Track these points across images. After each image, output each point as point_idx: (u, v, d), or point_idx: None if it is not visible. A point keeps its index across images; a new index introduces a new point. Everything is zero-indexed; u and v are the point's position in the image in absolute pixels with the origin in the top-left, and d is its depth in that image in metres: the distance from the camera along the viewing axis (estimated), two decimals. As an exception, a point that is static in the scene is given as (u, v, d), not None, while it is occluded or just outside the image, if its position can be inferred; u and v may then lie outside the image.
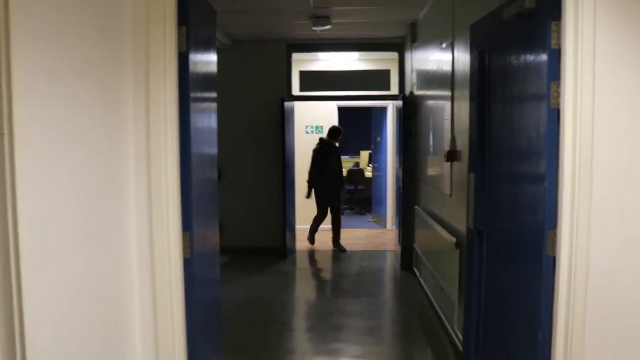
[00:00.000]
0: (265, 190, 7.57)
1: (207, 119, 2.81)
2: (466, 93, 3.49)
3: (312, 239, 7.97)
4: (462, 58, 3.95)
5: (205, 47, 2.79)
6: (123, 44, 2.21)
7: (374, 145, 10.52)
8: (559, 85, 2.19)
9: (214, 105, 3.00)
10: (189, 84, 2.41)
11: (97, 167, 2.01)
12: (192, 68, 2.47)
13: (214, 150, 2.98)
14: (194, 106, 2.48)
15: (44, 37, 1.64)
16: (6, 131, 1.41)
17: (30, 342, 1.50)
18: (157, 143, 2.28)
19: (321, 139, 7.77)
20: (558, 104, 2.20)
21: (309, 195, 7.68)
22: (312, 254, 7.70)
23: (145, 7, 2.24)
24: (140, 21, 2.25)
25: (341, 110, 9.57)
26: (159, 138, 2.27)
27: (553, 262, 2.26)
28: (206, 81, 2.80)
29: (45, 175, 1.63)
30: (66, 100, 1.76)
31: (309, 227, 7.96)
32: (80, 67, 1.87)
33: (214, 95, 3.01)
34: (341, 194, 7.86)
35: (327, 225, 7.77)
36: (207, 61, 2.81)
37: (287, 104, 7.25)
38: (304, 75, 8.10)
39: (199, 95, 2.64)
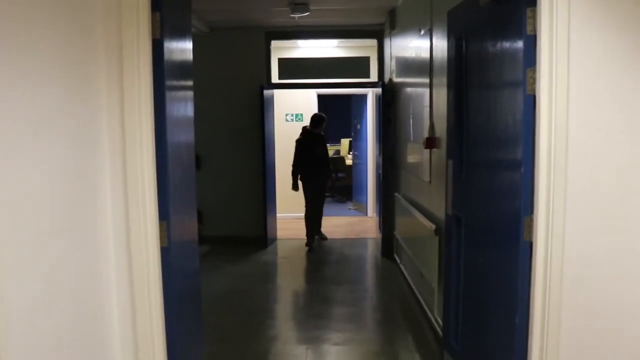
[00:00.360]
0: (245, 179, 7.53)
1: (182, 107, 2.77)
2: (444, 80, 3.49)
3: (311, 244, 7.39)
4: (440, 45, 3.95)
5: (180, 33, 2.75)
6: (94, 31, 2.17)
7: (354, 132, 10.52)
8: (534, 71, 2.20)
9: (190, 94, 2.96)
10: (164, 72, 2.38)
11: (68, 158, 1.97)
12: (167, 55, 2.43)
13: (190, 138, 2.95)
14: (169, 94, 2.44)
15: (13, 23, 1.59)
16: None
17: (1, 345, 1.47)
18: (132, 132, 2.24)
19: (304, 128, 7.44)
20: (534, 90, 2.21)
21: (295, 187, 7.33)
22: (292, 243, 7.70)
23: (118, -8, 2.20)
24: (112, 6, 2.20)
25: (321, 97, 9.53)
26: (134, 127, 2.24)
27: (530, 247, 2.29)
28: (182, 69, 2.76)
29: (9, 168, 1.58)
30: (31, 89, 1.72)
31: (289, 215, 7.88)
32: (47, 56, 1.82)
33: (190, 83, 2.97)
34: (327, 183, 7.75)
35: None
36: (182, 48, 2.77)
37: (266, 92, 7.20)
38: (283, 62, 8.05)
39: (175, 83, 2.61)
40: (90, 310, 2.12)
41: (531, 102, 2.23)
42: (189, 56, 2.94)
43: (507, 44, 2.44)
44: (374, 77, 7.75)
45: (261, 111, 7.16)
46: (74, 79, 2.02)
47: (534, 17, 2.19)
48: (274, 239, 7.67)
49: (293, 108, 9.25)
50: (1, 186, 1.54)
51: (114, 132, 2.23)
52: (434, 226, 4.11)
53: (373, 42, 7.50)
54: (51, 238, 1.84)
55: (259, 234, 7.34)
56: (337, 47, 8.23)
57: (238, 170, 7.56)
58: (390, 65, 6.72)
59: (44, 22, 1.81)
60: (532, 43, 2.21)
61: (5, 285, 1.50)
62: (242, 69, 7.45)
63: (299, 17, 6.32)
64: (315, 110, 8.86)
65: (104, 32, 2.19)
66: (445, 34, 3.41)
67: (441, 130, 3.92)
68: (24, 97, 1.68)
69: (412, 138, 5.25)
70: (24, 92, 1.68)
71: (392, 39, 6.57)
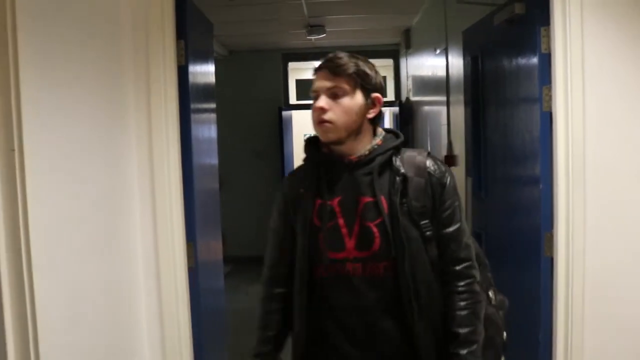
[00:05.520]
0: (266, 199, 7.55)
1: (207, 130, 2.86)
2: (461, 98, 3.54)
3: None
4: (456, 63, 4.01)
5: (203, 58, 2.84)
6: (123, 60, 2.26)
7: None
8: (550, 89, 2.25)
9: (213, 116, 3.05)
10: (188, 96, 2.46)
11: (103, 179, 2.06)
12: (192, 80, 2.52)
13: (214, 160, 3.03)
14: (194, 117, 2.53)
15: (49, 56, 1.69)
16: (16, 147, 1.45)
17: (43, 350, 1.53)
18: (160, 155, 2.32)
19: None
20: (550, 107, 2.25)
21: None
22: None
23: (144, 23, 2.29)
24: (140, 37, 2.29)
25: (338, 117, 9.57)
26: (161, 150, 2.32)
27: (551, 262, 2.30)
28: (205, 92, 2.85)
29: (53, 188, 1.67)
30: (71, 116, 1.82)
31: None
32: (84, 84, 1.92)
33: (213, 105, 3.06)
34: None
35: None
36: (205, 72, 2.86)
37: (284, 113, 7.30)
38: (301, 83, 8.16)
39: (199, 106, 2.69)
40: (120, 327, 2.19)
41: (548, 119, 2.27)
42: (212, 80, 3.03)
43: (522, 62, 2.49)
44: (390, 96, 7.82)
45: (280, 132, 7.25)
46: (107, 107, 2.12)
47: (548, 36, 2.24)
48: (294, 258, 7.68)
49: (312, 128, 9.31)
50: (48, 207, 1.62)
51: (142, 154, 2.31)
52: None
53: (389, 62, 7.57)
54: (87, 255, 1.92)
55: (279, 253, 7.36)
56: (354, 67, 8.31)
57: (259, 190, 7.63)
58: (406, 84, 6.79)
59: (82, 54, 1.92)
60: (547, 61, 2.25)
61: (46, 294, 1.57)
62: (261, 90, 7.56)
63: (316, 38, 6.43)
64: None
65: (132, 61, 2.28)
66: (461, 52, 3.46)
67: (459, 147, 3.96)
68: (67, 125, 1.79)
69: (430, 156, 5.27)
70: (67, 121, 1.79)
71: (408, 58, 6.65)
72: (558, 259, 2.25)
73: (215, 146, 3.05)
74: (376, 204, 1.54)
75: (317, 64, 1.63)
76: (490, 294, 1.76)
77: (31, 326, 1.51)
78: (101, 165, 2.05)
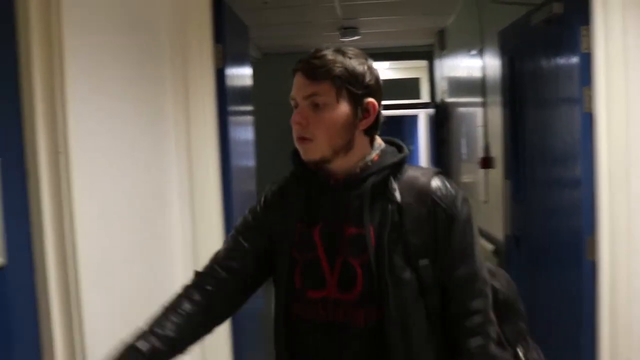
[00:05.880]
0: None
1: (244, 132, 2.89)
2: (498, 99, 3.50)
3: None
4: (492, 64, 3.95)
5: (240, 61, 2.88)
6: (163, 64, 2.31)
7: (407, 153, 10.47)
8: (590, 89, 2.20)
9: (250, 118, 3.09)
10: (226, 99, 2.50)
11: (143, 181, 2.10)
12: (229, 83, 2.56)
13: (251, 162, 3.06)
14: (231, 119, 2.56)
15: (93, 61, 1.73)
16: (62, 149, 1.50)
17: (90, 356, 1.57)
18: (198, 157, 2.36)
19: None
20: (591, 108, 2.21)
21: None
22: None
23: (183, 27, 2.33)
24: (179, 41, 2.34)
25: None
26: (200, 152, 2.36)
27: (593, 266, 2.25)
28: (242, 95, 2.89)
29: (97, 189, 1.71)
30: (114, 119, 1.86)
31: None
32: (125, 88, 1.97)
33: (250, 108, 3.09)
34: None
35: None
36: (241, 75, 2.90)
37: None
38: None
39: (236, 108, 2.73)
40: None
41: (588, 120, 2.22)
42: (248, 82, 3.07)
43: (561, 63, 2.44)
44: (425, 97, 7.76)
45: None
46: (147, 110, 2.17)
47: (588, 36, 2.20)
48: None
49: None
50: (94, 209, 1.66)
51: (181, 158, 2.35)
52: (492, 247, 4.07)
53: (423, 63, 7.53)
54: (135, 260, 1.97)
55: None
56: (388, 69, 8.30)
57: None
58: (441, 85, 6.73)
59: (123, 59, 1.96)
60: (587, 61, 2.21)
61: (93, 300, 1.60)
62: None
63: (349, 41, 6.43)
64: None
65: (171, 66, 2.33)
66: (497, 53, 3.42)
67: (496, 149, 3.91)
68: (110, 129, 1.84)
69: (465, 158, 5.23)
70: (110, 125, 1.84)
71: (442, 60, 6.59)
72: (601, 263, 2.21)
73: (252, 148, 3.08)
74: (362, 237, 1.23)
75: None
76: (520, 352, 1.43)
77: (77, 327, 1.54)
78: (142, 168, 2.10)
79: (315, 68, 1.23)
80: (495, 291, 1.38)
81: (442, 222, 1.24)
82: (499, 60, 3.34)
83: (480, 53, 4.40)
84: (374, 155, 1.28)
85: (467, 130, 5.13)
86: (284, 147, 7.00)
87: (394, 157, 1.29)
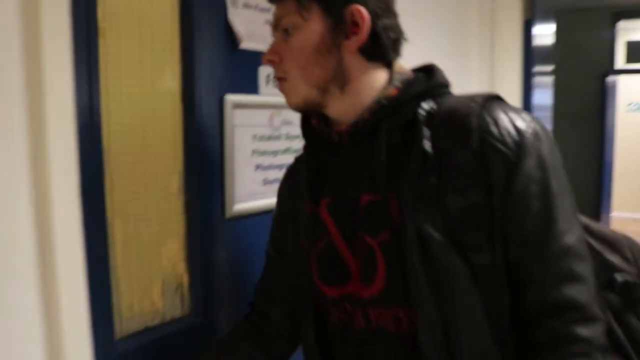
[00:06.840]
0: (578, 175, 6.94)
1: (544, 95, 2.64)
2: None
3: None
4: None
5: (545, 15, 2.59)
6: (470, 15, 2.17)
7: None
8: None
9: (549, 80, 2.81)
10: (531, 55, 2.28)
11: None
12: (534, 38, 2.32)
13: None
14: (534, 80, 2.34)
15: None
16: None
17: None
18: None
19: None
20: None
21: None
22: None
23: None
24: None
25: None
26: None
27: None
28: (545, 52, 2.62)
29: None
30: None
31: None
32: (435, 39, 1.92)
33: (550, 68, 2.81)
34: None
35: None
36: (546, 32, 2.62)
37: (608, 79, 6.49)
38: (632, 45, 7.13)
39: (538, 68, 2.48)
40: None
41: None
42: (551, 40, 2.78)
43: None
44: None
45: (601, 100, 6.48)
46: (453, 62, 2.08)
47: None
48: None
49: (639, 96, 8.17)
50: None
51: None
52: None
53: None
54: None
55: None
56: None
57: (569, 160, 6.99)
58: None
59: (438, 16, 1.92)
60: None
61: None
62: (582, 53, 6.82)
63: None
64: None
65: (478, 16, 2.18)
66: None
67: None
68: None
69: None
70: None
71: None
72: None
73: (549, 114, 2.81)
74: (379, 206, 0.85)
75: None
76: None
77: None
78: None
79: None
80: (612, 272, 0.91)
81: (498, 169, 0.79)
82: None
83: None
84: (391, 89, 0.87)
85: None
86: (566, 110, 6.31)
87: (420, 85, 0.87)
